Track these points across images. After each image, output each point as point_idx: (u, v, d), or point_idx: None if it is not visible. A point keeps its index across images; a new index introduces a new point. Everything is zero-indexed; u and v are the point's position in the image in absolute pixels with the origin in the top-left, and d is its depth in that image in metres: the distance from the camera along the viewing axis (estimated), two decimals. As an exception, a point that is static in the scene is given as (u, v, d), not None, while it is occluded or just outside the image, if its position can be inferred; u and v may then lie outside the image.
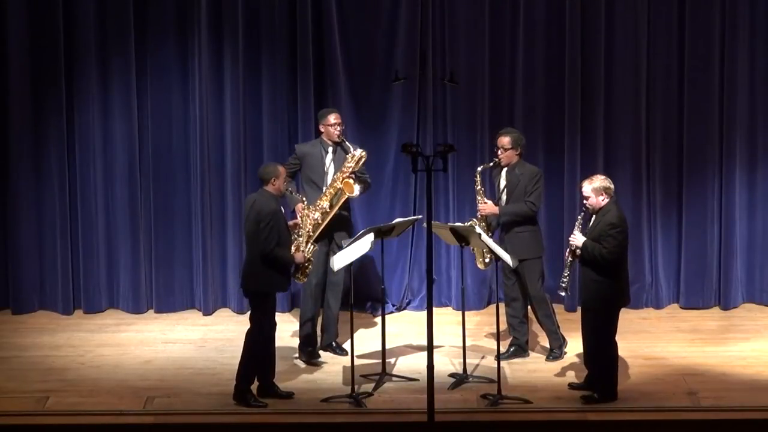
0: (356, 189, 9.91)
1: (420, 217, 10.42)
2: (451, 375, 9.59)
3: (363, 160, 9.99)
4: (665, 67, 11.42)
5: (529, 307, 10.07)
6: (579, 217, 9.16)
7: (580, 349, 9.33)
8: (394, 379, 9.53)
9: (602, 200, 8.97)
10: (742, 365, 9.87)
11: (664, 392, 9.25)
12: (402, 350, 10.28)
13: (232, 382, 9.11)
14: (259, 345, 9.08)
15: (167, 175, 11.50)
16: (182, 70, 11.40)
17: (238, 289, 10.50)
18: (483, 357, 10.02)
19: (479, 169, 10.08)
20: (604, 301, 8.92)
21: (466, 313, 9.84)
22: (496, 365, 9.30)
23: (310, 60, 11.28)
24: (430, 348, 7.94)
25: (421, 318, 10.21)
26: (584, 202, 9.04)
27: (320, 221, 9.80)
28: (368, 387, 9.35)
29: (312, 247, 9.49)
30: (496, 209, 9.94)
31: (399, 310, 11.57)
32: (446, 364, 9.85)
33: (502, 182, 9.99)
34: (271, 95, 11.39)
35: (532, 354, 10.13)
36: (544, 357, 10.03)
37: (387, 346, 9.67)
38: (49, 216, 11.43)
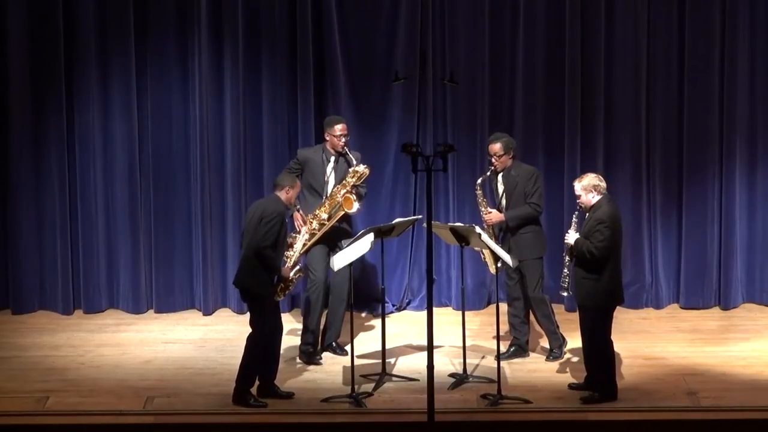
0: (355, 206, 9.91)
1: (420, 217, 10.41)
2: (451, 375, 9.59)
3: (365, 177, 9.99)
4: (665, 67, 11.41)
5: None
6: (574, 215, 9.18)
7: (580, 349, 9.33)
8: (394, 379, 9.53)
9: (592, 198, 8.99)
10: (742, 365, 9.86)
11: (664, 392, 9.24)
12: (402, 350, 10.28)
13: (232, 382, 9.11)
14: (258, 348, 9.07)
15: (167, 175, 11.50)
16: (182, 70, 11.40)
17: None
18: (483, 357, 10.02)
19: (479, 181, 10.05)
20: (594, 299, 8.93)
21: (466, 313, 9.84)
22: (496, 365, 9.30)
23: (310, 60, 11.28)
24: (430, 348, 7.94)
25: (421, 318, 10.20)
26: (577, 201, 9.07)
27: (317, 231, 9.82)
28: (368, 387, 9.35)
29: (298, 270, 9.38)
30: (502, 216, 9.91)
31: (399, 310, 11.57)
32: (446, 364, 9.84)
33: (500, 186, 9.98)
34: (271, 95, 11.39)
35: (532, 354, 10.12)
36: (544, 357, 10.03)
37: (387, 346, 9.67)
38: (49, 216, 11.43)
